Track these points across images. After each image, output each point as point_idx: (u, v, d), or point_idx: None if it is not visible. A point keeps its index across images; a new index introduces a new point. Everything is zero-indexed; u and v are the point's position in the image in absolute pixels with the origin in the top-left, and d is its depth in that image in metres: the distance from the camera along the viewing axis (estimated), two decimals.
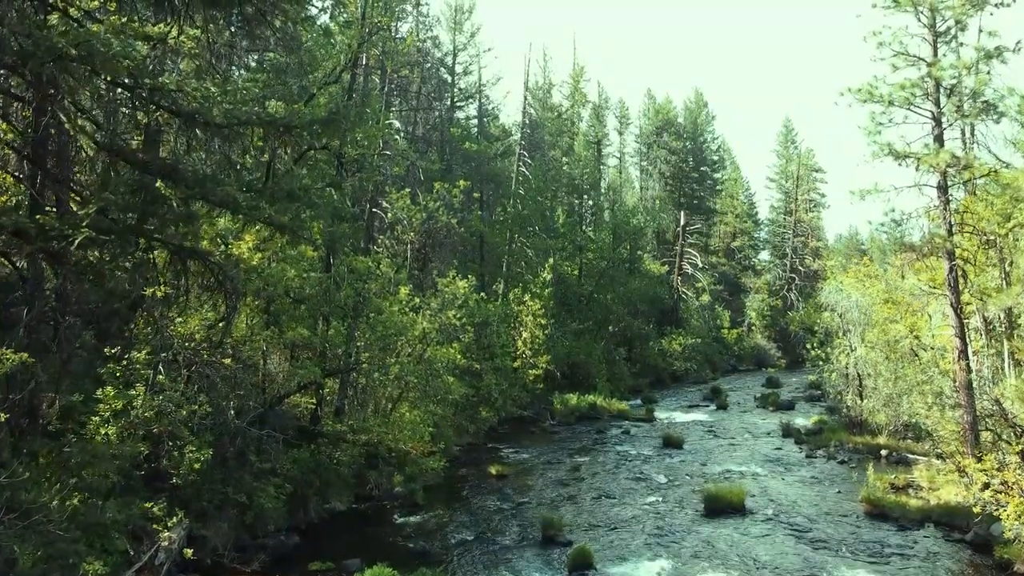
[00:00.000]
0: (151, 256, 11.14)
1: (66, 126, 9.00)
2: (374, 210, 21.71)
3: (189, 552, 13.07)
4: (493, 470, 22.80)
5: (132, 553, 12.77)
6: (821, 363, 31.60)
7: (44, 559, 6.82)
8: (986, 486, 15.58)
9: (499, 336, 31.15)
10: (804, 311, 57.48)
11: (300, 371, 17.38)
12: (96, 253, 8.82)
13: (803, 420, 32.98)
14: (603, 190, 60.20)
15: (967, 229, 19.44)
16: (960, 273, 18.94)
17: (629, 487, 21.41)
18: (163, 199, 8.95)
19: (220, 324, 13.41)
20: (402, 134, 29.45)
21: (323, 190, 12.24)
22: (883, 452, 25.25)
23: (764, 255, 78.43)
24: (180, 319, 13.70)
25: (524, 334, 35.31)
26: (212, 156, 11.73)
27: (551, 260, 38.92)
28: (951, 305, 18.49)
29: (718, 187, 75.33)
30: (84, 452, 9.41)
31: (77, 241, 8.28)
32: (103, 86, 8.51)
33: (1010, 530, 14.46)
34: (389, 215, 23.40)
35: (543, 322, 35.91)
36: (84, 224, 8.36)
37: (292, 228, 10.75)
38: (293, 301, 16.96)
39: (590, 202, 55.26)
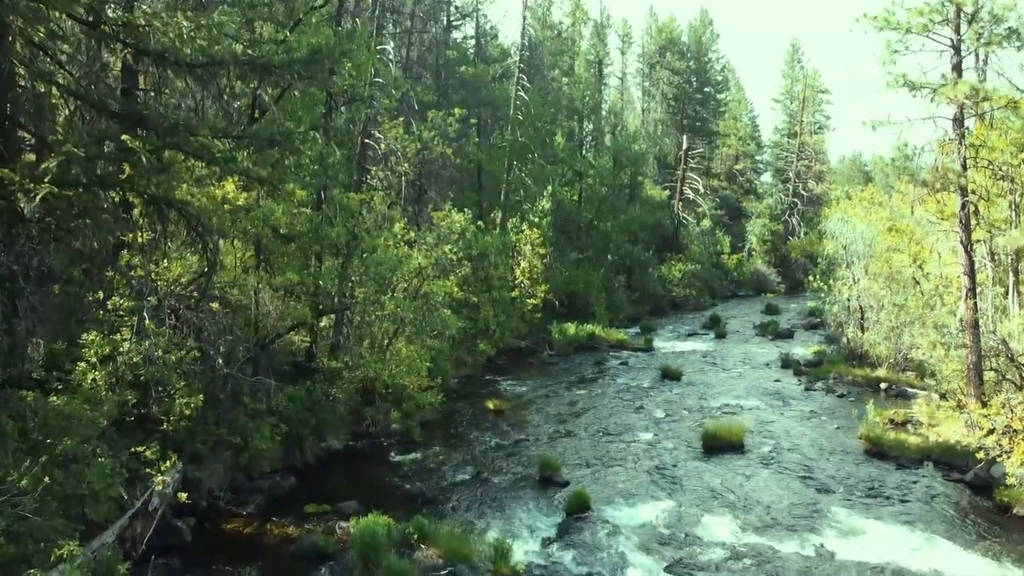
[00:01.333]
0: (131, 200, 10.55)
1: (20, 71, 8.29)
2: (366, 141, 20.91)
3: (184, 496, 12.88)
4: (491, 405, 22.69)
5: (126, 498, 12.64)
6: (823, 295, 31.30)
7: (15, 536, 6.55)
8: (991, 431, 15.40)
9: (496, 268, 30.66)
10: (806, 238, 56.89)
11: (293, 311, 16.97)
12: (61, 208, 8.24)
13: (802, 350, 32.87)
14: (604, 113, 58.69)
15: (981, 162, 18.74)
16: (972, 209, 18.33)
17: (627, 423, 21.33)
18: (131, 151, 8.30)
19: (203, 276, 12.88)
20: (394, 58, 28.20)
21: (307, 133, 11.54)
22: (883, 385, 25.18)
23: (766, 177, 77.26)
24: (164, 264, 13.20)
25: (522, 263, 34.84)
26: (193, 95, 11.00)
27: (550, 188, 38.06)
28: (961, 243, 17.98)
29: (721, 109, 73.62)
30: (60, 417, 9.03)
31: (39, 196, 7.71)
32: (60, 24, 7.76)
33: (1013, 476, 14.34)
34: (382, 146, 22.58)
35: (542, 251, 35.38)
36: (46, 179, 7.76)
37: (271, 180, 10.09)
38: (283, 239, 16.40)
39: (590, 126, 53.89)
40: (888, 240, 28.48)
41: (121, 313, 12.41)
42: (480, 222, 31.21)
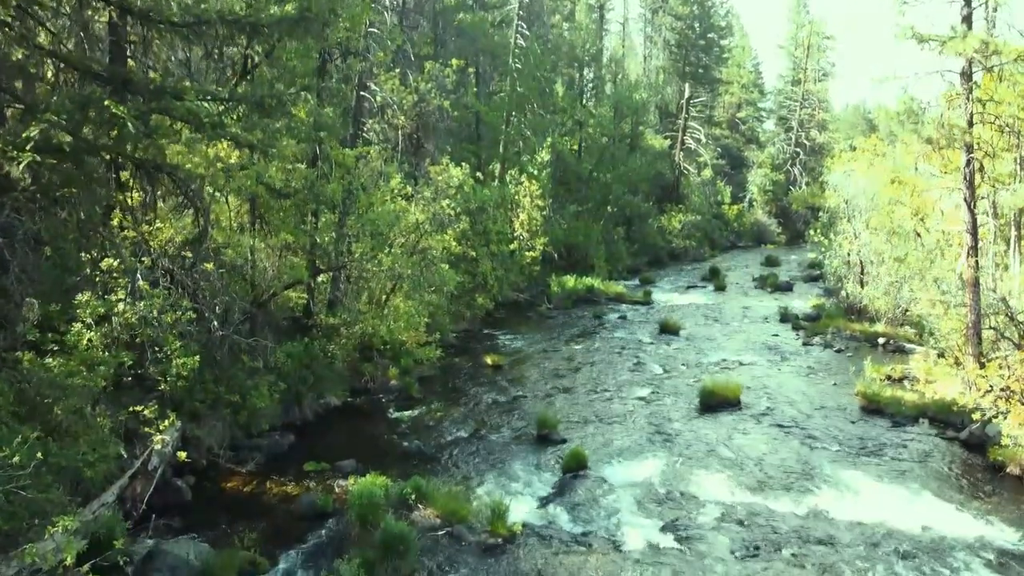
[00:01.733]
0: (120, 163, 10.32)
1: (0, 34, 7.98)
2: (362, 94, 20.49)
3: (183, 455, 12.89)
4: (489, 360, 22.72)
5: (125, 457, 12.69)
6: (823, 250, 31.17)
7: (10, 512, 6.54)
8: (988, 391, 15.40)
9: (495, 222, 30.42)
10: (807, 189, 56.50)
11: (289, 271, 16.84)
12: (46, 176, 8.01)
13: (801, 303, 32.86)
14: (605, 61, 57.60)
15: (988, 118, 18.38)
16: (977, 166, 18.03)
17: (625, 379, 21.39)
18: (115, 117, 8.03)
19: (196, 240, 12.69)
20: (390, 5, 27.39)
21: (299, 95, 11.21)
22: (881, 340, 25.21)
23: (769, 125, 76.32)
24: (158, 224, 13.03)
25: (521, 216, 34.58)
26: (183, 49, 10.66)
27: (549, 139, 37.53)
28: (964, 200, 17.75)
29: (724, 55, 72.27)
30: (53, 387, 8.97)
31: (22, 164, 7.49)
32: None
33: (1008, 436, 14.39)
34: (378, 99, 22.16)
35: (540, 203, 35.08)
36: (28, 147, 7.53)
37: (262, 146, 9.82)
38: (278, 196, 16.18)
39: (591, 74, 52.92)
40: (890, 192, 28.19)
41: (115, 275, 12.29)
42: (479, 173, 30.86)
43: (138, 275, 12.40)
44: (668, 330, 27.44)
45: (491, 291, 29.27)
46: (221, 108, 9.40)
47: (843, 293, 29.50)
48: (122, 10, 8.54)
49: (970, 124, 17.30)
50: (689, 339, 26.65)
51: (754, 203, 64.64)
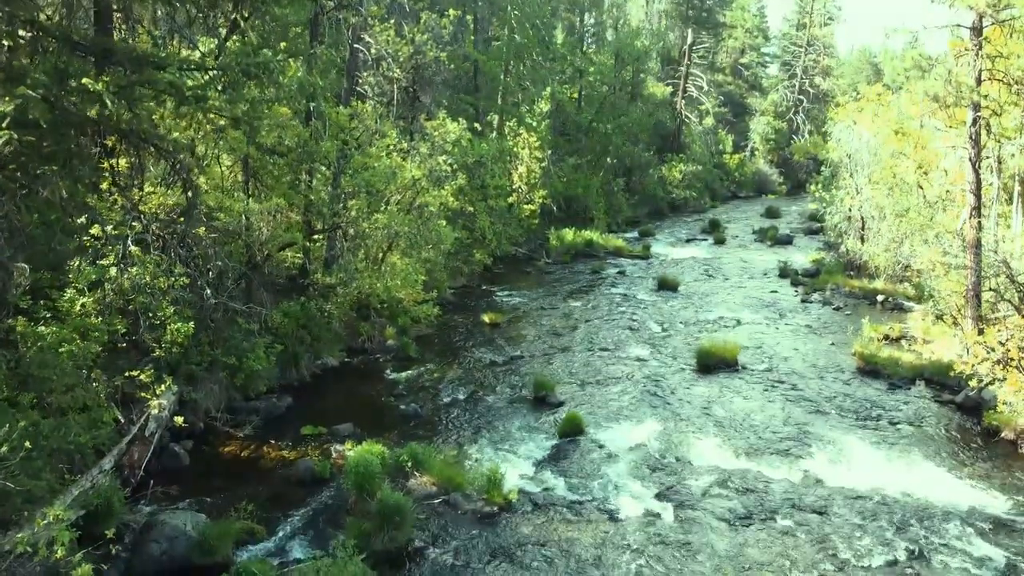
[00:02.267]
0: (104, 136, 10.00)
1: None
2: (356, 46, 19.96)
3: (180, 419, 12.85)
4: (486, 318, 22.63)
5: (122, 422, 12.68)
6: (825, 205, 30.86)
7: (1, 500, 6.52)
8: (985, 359, 15.33)
9: (493, 176, 30.02)
10: (810, 139, 55.72)
11: (283, 235, 16.60)
12: (26, 154, 7.73)
13: (801, 257, 32.73)
14: (606, 6, 56.22)
15: (997, 74, 17.91)
16: (984, 125, 17.65)
17: (622, 338, 21.34)
18: (93, 93, 7.71)
19: (186, 212, 12.43)
20: None
21: (287, 61, 10.80)
22: (879, 298, 25.12)
23: (772, 70, 74.96)
24: (149, 189, 12.77)
25: (520, 168, 34.14)
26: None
27: (548, 89, 36.81)
28: (969, 159, 17.43)
29: None
30: (44, 366, 8.86)
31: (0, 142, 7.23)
32: None
33: (1004, 402, 14.39)
34: (373, 51, 21.60)
35: (539, 155, 34.59)
36: (4, 123, 7.24)
37: (247, 120, 9.50)
38: (270, 153, 15.86)
39: (591, 20, 51.67)
40: (893, 144, 27.74)
41: (105, 241, 12.09)
42: (476, 125, 30.31)
43: (129, 241, 12.21)
44: (667, 286, 27.33)
45: (489, 246, 29.05)
46: (205, 79, 9.07)
47: (843, 248, 29.31)
48: None
49: (978, 82, 16.89)
50: (688, 295, 26.55)
51: (756, 152, 63.87)
